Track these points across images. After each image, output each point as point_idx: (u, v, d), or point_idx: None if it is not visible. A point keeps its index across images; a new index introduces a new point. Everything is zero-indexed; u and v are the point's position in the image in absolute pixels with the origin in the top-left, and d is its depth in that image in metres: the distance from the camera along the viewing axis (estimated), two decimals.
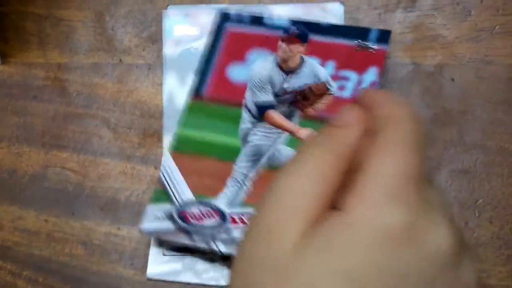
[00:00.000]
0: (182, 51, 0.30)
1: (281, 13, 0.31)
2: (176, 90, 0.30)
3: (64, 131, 0.31)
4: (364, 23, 0.30)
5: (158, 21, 0.31)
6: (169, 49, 0.30)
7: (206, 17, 0.31)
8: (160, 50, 0.31)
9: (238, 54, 0.30)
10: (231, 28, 0.30)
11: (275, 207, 0.18)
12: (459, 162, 0.29)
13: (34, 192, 0.30)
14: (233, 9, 0.31)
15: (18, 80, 0.31)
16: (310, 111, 0.28)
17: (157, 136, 0.30)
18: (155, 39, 0.31)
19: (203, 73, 0.30)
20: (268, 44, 0.30)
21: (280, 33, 0.30)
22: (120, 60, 0.31)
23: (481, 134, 0.29)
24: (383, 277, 0.16)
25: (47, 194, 0.30)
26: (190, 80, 0.30)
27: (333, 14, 0.31)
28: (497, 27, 0.30)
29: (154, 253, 0.29)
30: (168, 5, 0.31)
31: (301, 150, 0.19)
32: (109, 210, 0.30)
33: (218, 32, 0.30)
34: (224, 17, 0.30)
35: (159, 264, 0.29)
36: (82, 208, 0.30)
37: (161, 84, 0.31)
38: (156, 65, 0.31)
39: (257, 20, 0.30)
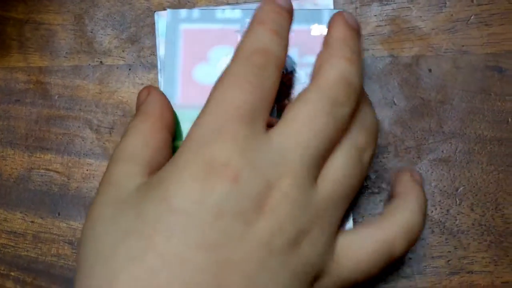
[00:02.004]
0: None
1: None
2: None
3: (47, 133, 0.31)
4: None
5: (137, 22, 0.31)
6: (163, 49, 0.30)
7: None
8: (140, 50, 0.31)
9: (199, 54, 0.30)
10: (185, 27, 0.30)
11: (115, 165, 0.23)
12: (439, 151, 0.29)
13: (20, 194, 0.31)
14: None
15: (0, 84, 0.32)
16: (286, 103, 0.29)
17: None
18: (135, 39, 0.31)
19: (171, 80, 0.29)
20: (226, 39, 0.30)
21: (236, 26, 0.30)
22: (101, 61, 0.31)
23: (460, 123, 0.30)
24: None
25: (33, 196, 0.31)
26: None
27: (324, 7, 0.30)
28: (472, 17, 0.30)
29: None
30: (155, 9, 0.32)
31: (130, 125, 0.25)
32: None
33: (173, 33, 0.30)
34: (176, 16, 0.30)
35: None
36: (68, 208, 0.30)
37: (142, 84, 0.31)
38: (137, 65, 0.31)
39: (209, 15, 0.30)
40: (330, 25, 0.24)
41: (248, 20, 0.30)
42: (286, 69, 0.29)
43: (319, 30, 0.29)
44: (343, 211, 0.23)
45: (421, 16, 0.30)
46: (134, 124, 0.24)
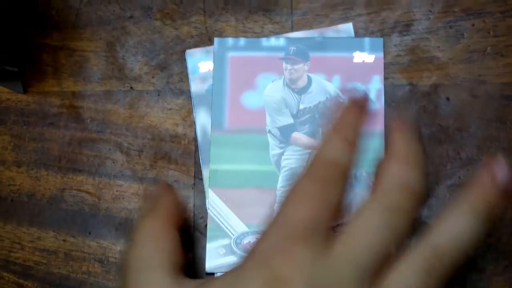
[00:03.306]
0: (209, 86, 0.32)
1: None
2: (208, 124, 0.31)
3: (79, 156, 0.32)
4: None
5: (166, 49, 0.33)
6: (196, 86, 0.32)
7: None
8: (169, 77, 0.33)
9: (247, 81, 0.31)
10: (232, 54, 0.32)
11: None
12: (456, 177, 0.30)
13: (52, 213, 0.32)
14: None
15: (35, 108, 0.33)
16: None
17: (167, 158, 0.32)
18: (164, 66, 0.33)
19: (219, 105, 0.31)
20: (272, 66, 0.31)
21: (280, 54, 0.31)
22: (131, 87, 0.33)
23: (476, 150, 0.31)
24: None
25: (65, 216, 0.32)
26: None
27: (346, 34, 0.32)
28: (488, 48, 0.31)
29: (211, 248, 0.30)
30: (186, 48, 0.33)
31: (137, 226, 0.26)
32: (123, 229, 0.31)
33: (221, 60, 0.31)
34: (223, 45, 0.32)
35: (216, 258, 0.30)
36: (98, 228, 0.32)
37: (170, 109, 0.32)
38: (165, 91, 0.32)
39: (255, 43, 0.32)
40: (391, 133, 0.23)
41: (293, 48, 0.31)
42: (330, 94, 0.30)
43: (361, 57, 0.30)
44: None
45: (439, 47, 0.31)
46: (144, 226, 0.26)
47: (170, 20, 0.33)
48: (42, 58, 0.33)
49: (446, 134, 0.31)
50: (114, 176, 0.32)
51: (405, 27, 0.32)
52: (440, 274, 0.21)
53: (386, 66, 0.31)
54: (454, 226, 0.21)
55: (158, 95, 0.32)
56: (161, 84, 0.32)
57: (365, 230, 0.21)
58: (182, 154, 0.32)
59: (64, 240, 0.32)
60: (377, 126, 0.30)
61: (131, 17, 0.33)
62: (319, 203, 0.21)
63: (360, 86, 0.27)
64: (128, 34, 0.33)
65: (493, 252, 0.30)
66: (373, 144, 0.25)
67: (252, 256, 0.21)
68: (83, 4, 0.34)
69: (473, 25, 0.31)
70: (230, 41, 0.32)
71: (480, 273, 0.29)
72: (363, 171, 0.30)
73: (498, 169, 0.21)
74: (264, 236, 0.22)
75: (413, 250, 0.21)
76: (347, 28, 0.31)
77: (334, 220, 0.21)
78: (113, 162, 0.32)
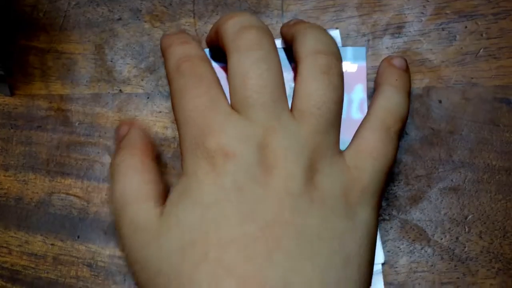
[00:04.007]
0: None
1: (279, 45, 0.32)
2: None
3: (68, 159, 0.32)
4: None
5: (155, 52, 0.32)
6: None
7: None
8: (158, 79, 0.32)
9: None
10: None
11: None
12: (448, 180, 0.30)
13: (40, 217, 0.32)
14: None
15: (23, 111, 0.33)
16: None
17: (157, 161, 0.31)
18: (153, 69, 0.32)
19: None
20: None
21: None
22: (120, 90, 0.32)
23: (469, 153, 0.30)
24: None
25: (53, 219, 0.32)
26: None
27: None
28: (481, 50, 0.31)
29: None
30: None
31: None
32: (112, 233, 0.31)
33: None
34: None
35: None
36: (87, 232, 0.31)
37: (160, 112, 0.32)
38: (155, 94, 0.32)
39: None
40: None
41: None
42: None
43: (344, 66, 0.30)
44: (337, 132, 0.25)
45: (431, 49, 0.31)
46: (123, 161, 0.25)
47: (159, 22, 0.33)
48: (30, 61, 0.33)
49: (438, 137, 0.31)
50: (103, 179, 0.32)
51: (397, 29, 0.31)
52: (395, 129, 0.25)
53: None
54: (384, 98, 0.26)
55: (147, 98, 0.32)
56: (150, 87, 0.32)
57: (246, 67, 0.23)
58: (171, 158, 0.31)
59: (52, 244, 0.31)
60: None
61: (119, 19, 0.33)
62: (200, 83, 0.23)
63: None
64: (116, 37, 0.33)
65: (486, 255, 0.29)
66: None
67: (184, 149, 0.23)
68: (71, 6, 0.33)
69: (466, 27, 0.31)
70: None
71: (473, 276, 0.29)
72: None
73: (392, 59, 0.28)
74: (181, 132, 0.24)
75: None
76: (334, 35, 0.31)
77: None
78: (102, 166, 0.32)
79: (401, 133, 0.26)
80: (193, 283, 0.20)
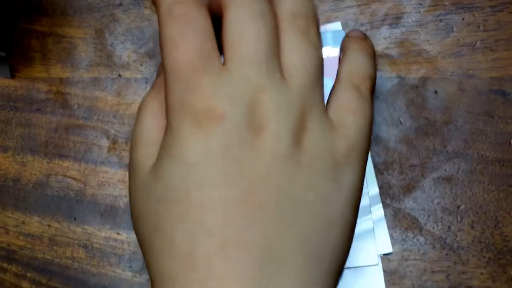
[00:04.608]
0: None
1: None
2: None
3: (66, 142, 0.32)
4: None
5: (155, 37, 0.33)
6: None
7: None
8: (157, 65, 0.32)
9: None
10: None
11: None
12: (442, 170, 0.30)
13: (38, 199, 0.32)
14: None
15: (23, 93, 0.33)
16: None
17: None
18: (152, 54, 0.33)
19: None
20: None
21: None
22: (119, 74, 0.33)
23: (463, 143, 0.31)
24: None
25: (50, 201, 0.32)
26: None
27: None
28: (478, 42, 0.31)
29: None
30: None
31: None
32: (109, 215, 0.31)
33: None
34: None
35: None
36: (83, 214, 0.32)
37: None
38: (153, 79, 0.32)
39: None
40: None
41: None
42: None
43: (325, 52, 0.30)
44: (321, 90, 0.24)
45: (428, 40, 0.31)
46: (147, 102, 0.25)
47: None
48: (31, 44, 0.33)
49: (433, 127, 0.31)
50: (100, 162, 0.32)
51: (395, 19, 0.32)
52: (365, 87, 0.25)
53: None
54: (347, 61, 0.26)
55: (146, 82, 0.32)
56: (149, 72, 0.32)
57: (242, 30, 0.22)
58: None
59: (48, 225, 0.32)
60: None
61: (120, 4, 0.33)
62: (194, 34, 0.22)
63: (327, 80, 0.27)
64: (117, 22, 0.33)
65: (477, 245, 0.30)
66: None
67: (170, 109, 0.22)
68: None
69: (463, 19, 0.31)
70: None
71: (464, 265, 0.30)
72: None
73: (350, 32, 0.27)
74: (167, 89, 0.23)
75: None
76: (336, 27, 0.31)
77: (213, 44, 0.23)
78: (100, 149, 0.32)
79: (372, 92, 0.26)
80: (173, 243, 0.20)
